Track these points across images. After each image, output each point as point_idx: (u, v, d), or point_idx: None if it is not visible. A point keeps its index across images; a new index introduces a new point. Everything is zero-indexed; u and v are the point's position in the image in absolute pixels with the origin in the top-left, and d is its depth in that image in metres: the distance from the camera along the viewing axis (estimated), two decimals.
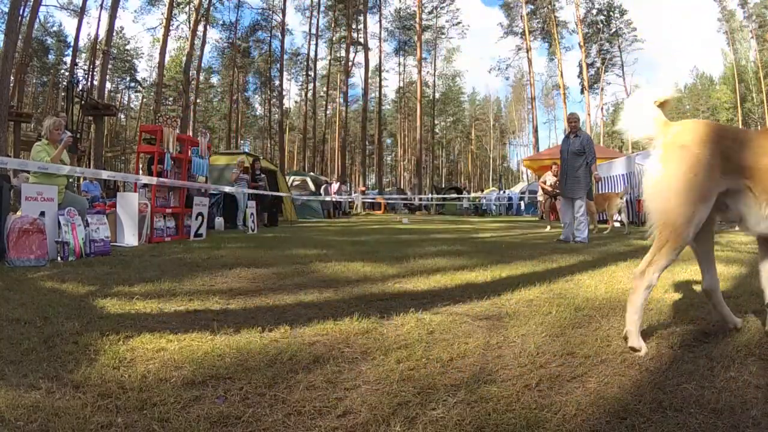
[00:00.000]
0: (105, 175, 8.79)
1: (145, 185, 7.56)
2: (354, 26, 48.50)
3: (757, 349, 2.06)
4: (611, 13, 46.52)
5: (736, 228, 11.66)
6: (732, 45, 48.29)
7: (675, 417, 1.45)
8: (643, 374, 1.80)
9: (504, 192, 34.51)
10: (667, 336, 2.26)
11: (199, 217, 8.15)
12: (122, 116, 56.24)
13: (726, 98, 52.78)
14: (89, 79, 32.17)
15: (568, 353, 2.03)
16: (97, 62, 31.86)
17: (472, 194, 38.48)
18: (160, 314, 2.62)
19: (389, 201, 31.79)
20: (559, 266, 4.70)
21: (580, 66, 46.52)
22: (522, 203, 27.98)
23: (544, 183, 12.64)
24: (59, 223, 5.07)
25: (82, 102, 21.16)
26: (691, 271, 4.17)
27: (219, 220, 10.92)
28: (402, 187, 56.56)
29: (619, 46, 47.38)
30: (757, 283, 2.35)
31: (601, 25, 46.97)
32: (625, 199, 11.43)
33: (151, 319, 2.51)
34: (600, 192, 12.22)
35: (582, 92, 47.33)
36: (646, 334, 2.28)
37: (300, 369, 1.81)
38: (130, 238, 6.66)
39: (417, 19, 47.70)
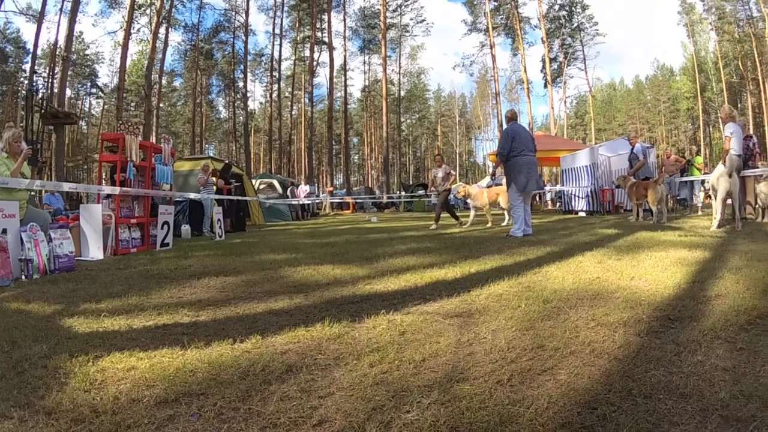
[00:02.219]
0: (67, 187, 8.47)
1: (108, 196, 7.35)
2: (318, 25, 48.26)
3: (722, 332, 2.13)
4: (573, 9, 47.57)
5: (699, 213, 12.07)
6: (692, 37, 49.95)
7: (645, 404, 1.49)
8: (612, 363, 1.84)
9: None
10: (633, 324, 2.33)
11: (165, 226, 7.98)
12: (83, 124, 54.76)
13: (686, 88, 54.73)
14: (49, 87, 31.14)
15: (538, 346, 2.06)
16: (57, 69, 30.83)
17: None
18: (129, 331, 2.55)
19: (357, 200, 31.72)
20: (527, 259, 4.77)
21: (543, 61, 47.42)
22: None
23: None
24: (21, 240, 4.88)
25: (42, 111, 20.44)
26: (655, 258, 4.31)
27: (185, 228, 10.69)
28: (370, 185, 56.49)
29: (581, 41, 48.52)
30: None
31: (564, 21, 48.01)
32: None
33: (120, 336, 2.44)
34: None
35: (545, 86, 48.35)
36: (612, 323, 2.34)
37: (273, 380, 1.79)
38: (95, 251, 6.46)
39: (381, 18, 47.76)
